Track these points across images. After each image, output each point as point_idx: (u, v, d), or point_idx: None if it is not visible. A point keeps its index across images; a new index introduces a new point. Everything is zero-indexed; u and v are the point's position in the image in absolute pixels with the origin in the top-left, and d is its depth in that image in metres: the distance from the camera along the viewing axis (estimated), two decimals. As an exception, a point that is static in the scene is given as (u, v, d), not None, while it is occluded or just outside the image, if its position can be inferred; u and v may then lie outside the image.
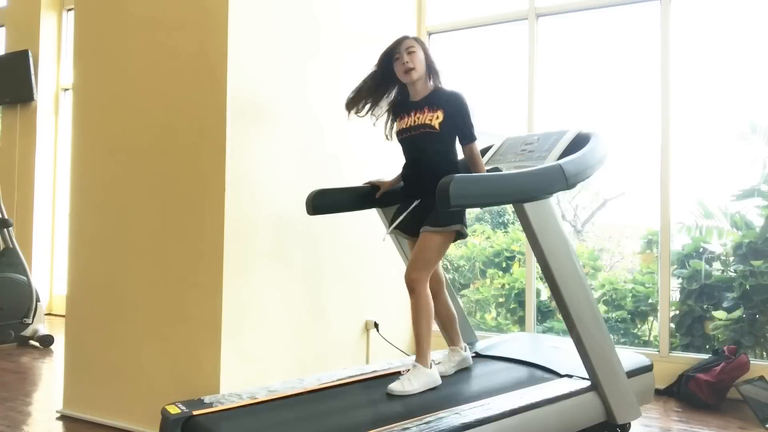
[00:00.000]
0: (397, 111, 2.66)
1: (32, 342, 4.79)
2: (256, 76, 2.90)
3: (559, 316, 3.52)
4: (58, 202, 6.15)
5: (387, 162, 3.85)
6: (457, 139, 2.55)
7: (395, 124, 2.66)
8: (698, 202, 3.95)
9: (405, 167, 2.65)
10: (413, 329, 2.45)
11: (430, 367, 2.43)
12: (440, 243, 2.45)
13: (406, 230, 2.63)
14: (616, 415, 2.46)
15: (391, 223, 2.67)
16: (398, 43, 2.56)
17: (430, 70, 2.58)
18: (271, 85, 3.01)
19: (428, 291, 2.45)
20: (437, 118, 2.49)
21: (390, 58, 2.57)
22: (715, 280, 3.80)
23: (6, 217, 4.95)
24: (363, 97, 2.64)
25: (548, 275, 2.32)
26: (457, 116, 2.50)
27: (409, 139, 2.58)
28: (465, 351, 2.72)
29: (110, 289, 3.02)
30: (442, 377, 2.48)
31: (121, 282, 2.99)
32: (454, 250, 4.81)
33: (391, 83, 2.63)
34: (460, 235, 2.52)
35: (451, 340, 2.75)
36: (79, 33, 3.22)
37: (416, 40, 2.58)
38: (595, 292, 4.29)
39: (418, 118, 2.54)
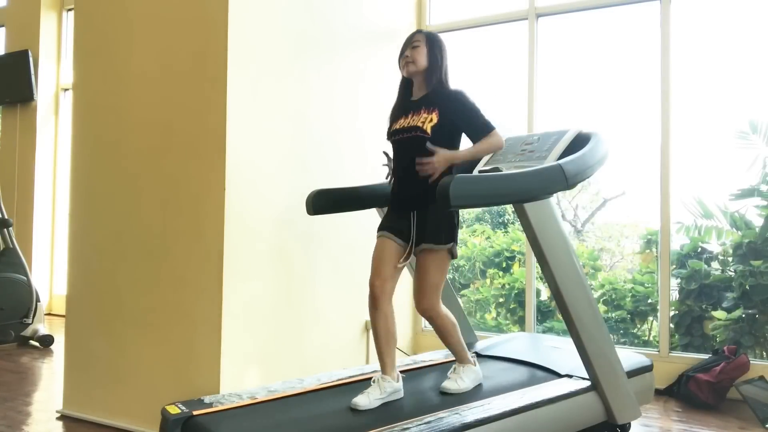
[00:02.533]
0: (395, 110, 2.52)
1: (32, 342, 4.79)
2: (256, 76, 2.90)
3: (559, 316, 3.52)
4: (58, 202, 6.15)
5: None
6: (456, 141, 2.41)
7: (391, 124, 2.49)
8: (697, 202, 3.95)
9: (395, 172, 2.48)
10: (446, 345, 2.52)
11: (475, 365, 2.54)
12: (441, 261, 2.35)
13: (395, 233, 2.42)
14: (616, 415, 2.47)
15: (383, 228, 2.47)
16: (408, 38, 2.48)
17: (433, 68, 2.40)
18: (271, 85, 3.01)
19: (443, 310, 2.42)
20: (431, 121, 2.33)
21: (401, 55, 2.47)
22: (714, 279, 3.81)
23: (6, 217, 4.96)
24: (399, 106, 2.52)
25: (548, 275, 2.32)
26: (460, 117, 2.34)
27: (398, 143, 2.44)
28: (398, 381, 2.34)
29: (110, 289, 3.02)
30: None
31: (121, 282, 2.99)
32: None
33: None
34: (452, 255, 2.38)
35: (383, 364, 2.36)
36: (79, 33, 3.22)
37: (426, 35, 2.45)
38: (595, 292, 4.29)
39: (413, 119, 2.38)
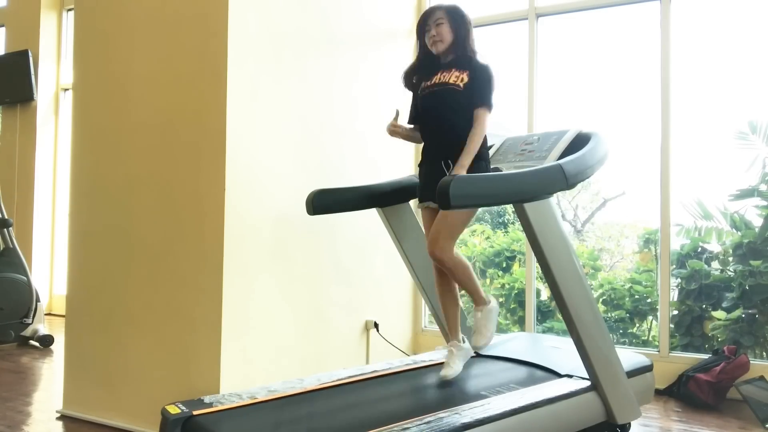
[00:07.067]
0: (423, 69, 2.60)
1: (32, 342, 4.79)
2: (257, 76, 2.90)
3: (559, 316, 3.52)
4: (58, 202, 6.14)
5: (388, 161, 3.85)
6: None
7: (420, 81, 2.59)
8: (697, 203, 3.95)
9: (424, 130, 2.59)
10: (462, 287, 2.54)
11: (489, 302, 2.57)
12: (464, 212, 2.41)
13: (425, 195, 2.56)
14: (616, 415, 2.46)
15: (419, 197, 2.61)
16: (427, 15, 2.54)
17: (459, 40, 2.50)
18: (272, 84, 3.01)
19: (456, 255, 2.44)
20: (462, 80, 2.45)
21: (422, 30, 2.56)
22: (714, 279, 3.81)
23: (6, 217, 4.95)
24: (416, 69, 2.63)
25: (548, 275, 2.32)
26: (478, 80, 2.44)
27: (430, 95, 2.53)
28: (464, 342, 2.64)
29: (110, 289, 3.02)
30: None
31: (121, 282, 2.99)
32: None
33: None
34: None
35: (452, 332, 2.65)
36: (79, 33, 3.22)
37: (446, 9, 2.53)
38: (595, 292, 4.29)
39: (444, 77, 2.49)
